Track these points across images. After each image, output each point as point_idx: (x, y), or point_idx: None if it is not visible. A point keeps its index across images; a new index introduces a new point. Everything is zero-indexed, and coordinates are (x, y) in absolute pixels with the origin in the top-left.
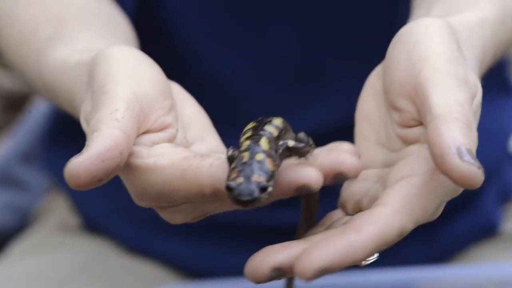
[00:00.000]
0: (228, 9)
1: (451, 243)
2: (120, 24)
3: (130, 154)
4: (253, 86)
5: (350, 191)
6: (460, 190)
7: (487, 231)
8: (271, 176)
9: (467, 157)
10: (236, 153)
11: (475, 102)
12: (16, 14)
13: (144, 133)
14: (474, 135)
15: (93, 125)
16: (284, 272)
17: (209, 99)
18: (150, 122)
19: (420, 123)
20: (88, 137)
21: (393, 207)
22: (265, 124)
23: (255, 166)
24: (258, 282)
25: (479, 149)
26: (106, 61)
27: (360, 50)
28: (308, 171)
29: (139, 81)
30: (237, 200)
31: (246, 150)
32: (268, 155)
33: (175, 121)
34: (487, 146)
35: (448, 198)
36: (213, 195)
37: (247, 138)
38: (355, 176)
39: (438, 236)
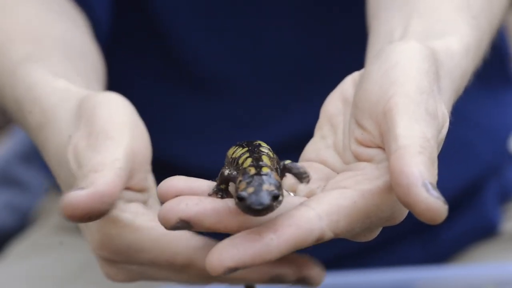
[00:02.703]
0: (226, 7)
1: (451, 243)
2: (91, 55)
3: None
4: (251, 85)
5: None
6: (398, 221)
7: (487, 231)
8: (279, 187)
9: (433, 192)
10: (234, 172)
11: (440, 136)
12: None
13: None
14: (436, 171)
15: (94, 166)
16: (192, 226)
17: (207, 100)
18: (134, 181)
19: (378, 147)
20: (84, 174)
21: (317, 212)
22: (257, 146)
23: (264, 177)
24: (166, 228)
25: (480, 148)
26: (108, 106)
27: (358, 49)
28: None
29: (137, 138)
30: (250, 208)
31: (250, 166)
32: (272, 169)
33: (152, 184)
34: (488, 145)
35: (381, 224)
36: (184, 266)
37: (247, 157)
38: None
39: (438, 236)
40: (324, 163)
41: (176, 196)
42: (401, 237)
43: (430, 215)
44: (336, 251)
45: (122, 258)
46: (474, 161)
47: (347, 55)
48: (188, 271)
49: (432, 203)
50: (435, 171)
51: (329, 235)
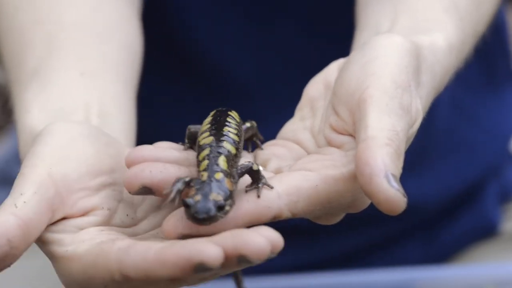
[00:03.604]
0: (236, 5)
1: (451, 243)
2: (118, 32)
3: (52, 242)
4: (258, 79)
5: (268, 150)
6: (359, 209)
7: (487, 231)
8: (229, 195)
9: (394, 184)
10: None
11: (410, 131)
12: (16, 19)
13: (66, 218)
14: (401, 165)
15: None
16: (154, 193)
17: (215, 95)
18: (69, 205)
19: (350, 135)
20: None
21: (277, 191)
22: (222, 136)
23: (214, 184)
24: (130, 193)
25: (481, 148)
26: (40, 139)
27: None
28: (207, 247)
29: (62, 161)
30: (193, 217)
31: (205, 170)
32: (227, 174)
33: (108, 201)
34: (489, 145)
35: (342, 211)
36: (125, 281)
37: (205, 156)
38: (259, 260)
39: (438, 236)
40: (299, 143)
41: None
42: (401, 237)
43: (389, 206)
44: (336, 251)
45: None
46: (475, 161)
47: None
48: (136, 285)
49: (392, 194)
50: (400, 164)
51: (286, 214)
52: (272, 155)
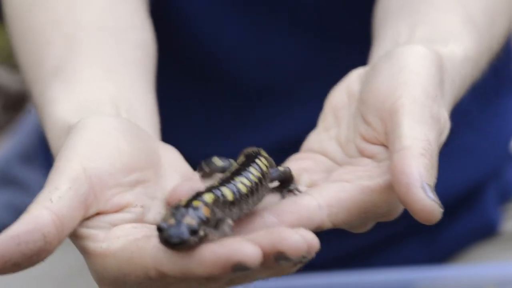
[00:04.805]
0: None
1: (451, 243)
2: (132, 31)
3: (86, 238)
4: (256, 85)
5: (295, 164)
6: (393, 217)
7: (487, 231)
8: (205, 221)
9: (430, 194)
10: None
11: (440, 140)
12: (31, 20)
13: (99, 214)
14: (435, 174)
15: (30, 205)
16: None
17: (221, 97)
18: (102, 201)
19: (382, 144)
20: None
21: (318, 202)
22: (228, 182)
23: (190, 209)
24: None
25: (481, 153)
26: (75, 133)
27: (368, 49)
28: (244, 246)
29: (97, 156)
30: (166, 242)
31: (186, 198)
32: (206, 204)
33: (142, 198)
34: (489, 144)
35: (377, 219)
36: (160, 278)
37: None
38: (296, 256)
39: (438, 236)
40: (325, 154)
41: None
42: (401, 237)
43: (425, 216)
44: (337, 251)
45: (122, 287)
46: (476, 165)
47: (352, 60)
48: (171, 281)
49: (428, 205)
50: (434, 174)
51: (328, 225)
52: (302, 170)
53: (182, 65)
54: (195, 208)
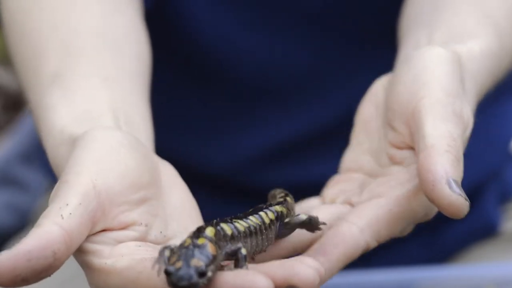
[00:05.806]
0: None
1: (451, 243)
2: (128, 42)
3: (91, 253)
4: (265, 80)
5: (334, 189)
6: (431, 216)
7: (487, 231)
8: (212, 260)
9: (457, 189)
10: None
11: (464, 135)
12: (27, 24)
13: (105, 230)
14: (461, 168)
15: (40, 219)
16: None
17: (221, 96)
18: (109, 218)
19: (409, 147)
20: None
21: (358, 226)
22: (229, 223)
23: (196, 250)
24: None
25: (481, 148)
26: (83, 146)
27: (369, 50)
28: (257, 279)
29: (106, 172)
30: (175, 285)
31: (189, 236)
32: (211, 240)
33: (146, 216)
34: (489, 145)
35: (416, 222)
36: None
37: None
38: None
39: (439, 236)
40: (361, 169)
41: None
42: (402, 238)
43: (452, 211)
44: None
45: None
46: (475, 166)
47: (360, 56)
48: None
49: (454, 200)
50: (461, 169)
51: (373, 244)
52: (340, 192)
53: (182, 65)
54: (200, 247)
